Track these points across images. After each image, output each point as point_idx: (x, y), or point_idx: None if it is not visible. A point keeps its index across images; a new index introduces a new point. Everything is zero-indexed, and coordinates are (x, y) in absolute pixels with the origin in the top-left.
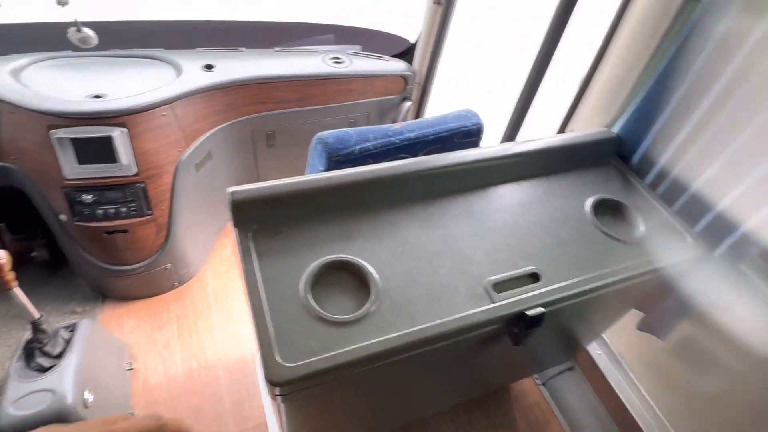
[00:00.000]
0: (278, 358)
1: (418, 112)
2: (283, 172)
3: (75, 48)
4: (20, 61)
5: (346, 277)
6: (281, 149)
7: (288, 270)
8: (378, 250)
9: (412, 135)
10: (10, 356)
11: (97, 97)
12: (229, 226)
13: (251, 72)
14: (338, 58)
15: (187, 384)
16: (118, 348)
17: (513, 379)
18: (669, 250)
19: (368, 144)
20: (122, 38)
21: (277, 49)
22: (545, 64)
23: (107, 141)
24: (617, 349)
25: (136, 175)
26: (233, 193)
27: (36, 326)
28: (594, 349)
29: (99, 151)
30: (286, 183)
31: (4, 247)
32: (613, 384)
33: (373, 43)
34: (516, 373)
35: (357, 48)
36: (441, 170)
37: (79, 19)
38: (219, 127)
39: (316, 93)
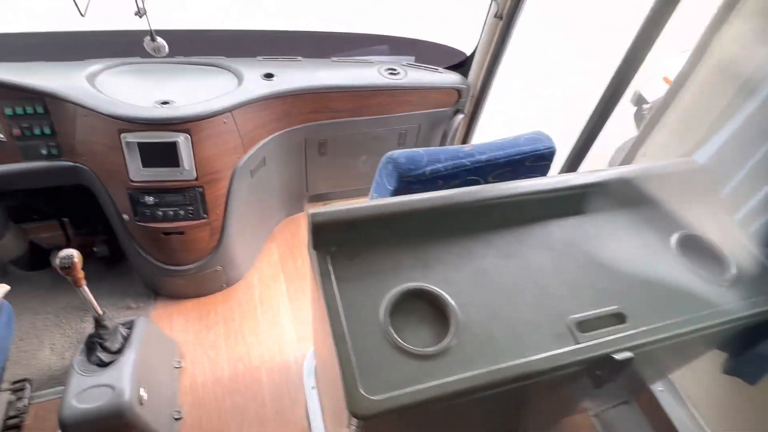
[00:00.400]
0: (362, 391)
1: (470, 125)
2: (331, 180)
3: (145, 54)
4: (95, 66)
5: (424, 306)
6: (332, 157)
7: (367, 296)
8: (456, 279)
9: (483, 158)
10: (69, 346)
11: (165, 103)
12: (277, 231)
13: (309, 82)
14: (393, 70)
15: (231, 385)
16: (169, 346)
17: (570, 413)
18: (765, 293)
19: (439, 165)
20: (188, 46)
21: (334, 59)
22: (619, 91)
23: (172, 146)
24: (681, 386)
25: (195, 179)
26: (314, 215)
27: (98, 322)
28: (656, 385)
29: (163, 155)
30: (366, 206)
31: (68, 240)
32: (676, 424)
33: (427, 54)
34: (574, 407)
35: (411, 59)
36: (521, 197)
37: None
38: (274, 134)
39: (370, 104)
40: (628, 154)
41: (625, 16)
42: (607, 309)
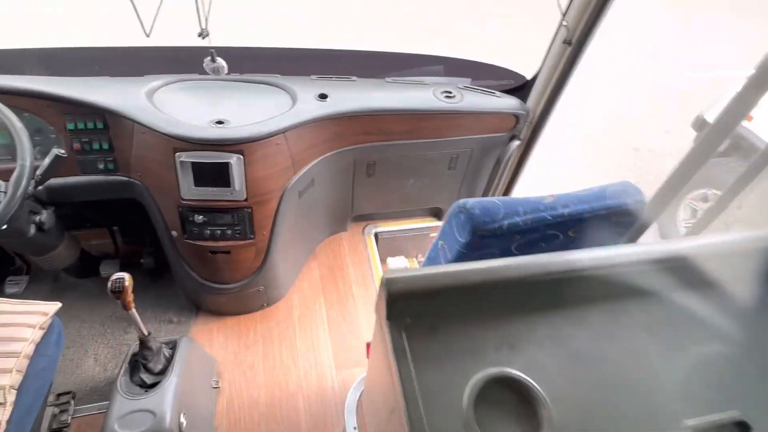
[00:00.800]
0: None
1: (526, 152)
2: (377, 201)
3: (202, 70)
4: (154, 82)
5: (511, 395)
6: (379, 179)
7: (447, 381)
8: (547, 365)
9: (566, 211)
10: (112, 357)
11: (219, 122)
12: (319, 250)
13: (363, 103)
14: (449, 93)
15: (268, 411)
16: (209, 364)
17: None
18: None
19: (518, 219)
20: (244, 63)
21: (389, 79)
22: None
23: (224, 167)
24: None
25: (245, 200)
26: (389, 282)
27: (143, 343)
28: None
29: (215, 175)
30: (447, 273)
31: (116, 249)
32: None
33: (484, 76)
34: None
35: (467, 81)
36: (621, 268)
37: (202, 45)
38: (325, 155)
39: (424, 127)
40: (717, 206)
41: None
42: (725, 415)
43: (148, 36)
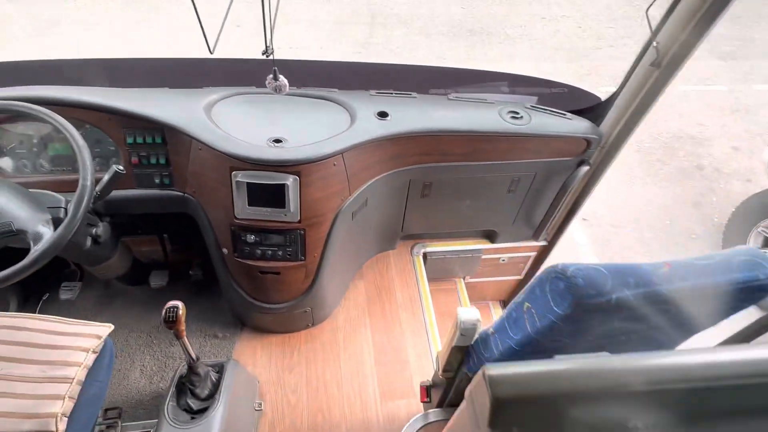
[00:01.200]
0: None
1: (594, 177)
2: (429, 222)
3: (260, 83)
4: (213, 96)
5: None
6: (433, 199)
7: None
8: None
9: (685, 285)
10: (158, 369)
11: (277, 141)
12: (366, 268)
13: (424, 123)
14: (516, 113)
15: None
16: (252, 386)
17: None
18: None
19: (628, 293)
20: (301, 76)
21: (451, 97)
22: None
23: (280, 188)
24: None
25: (298, 222)
26: (494, 385)
27: (191, 369)
28: None
29: (270, 195)
30: (563, 374)
31: (166, 257)
32: None
33: (551, 95)
34: None
35: (533, 100)
36: None
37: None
38: (380, 176)
39: (486, 148)
40: None
41: None
42: None
43: (211, 53)
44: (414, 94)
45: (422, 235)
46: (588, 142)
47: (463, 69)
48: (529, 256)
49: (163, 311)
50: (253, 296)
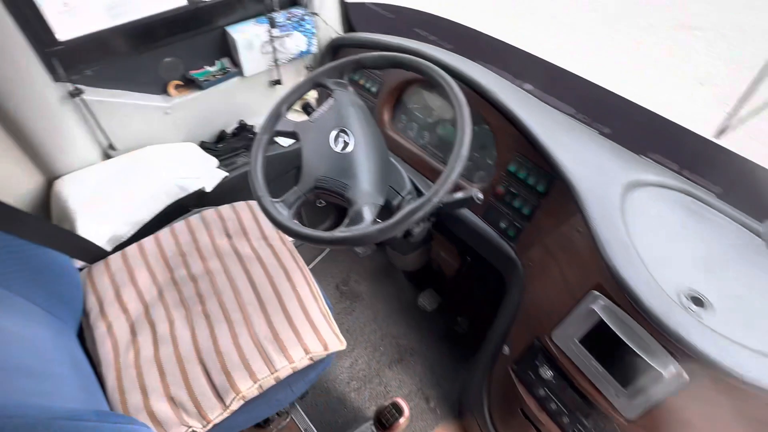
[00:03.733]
0: None
1: None
2: None
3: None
4: (647, 175)
5: None
6: None
7: None
8: None
9: None
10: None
11: (698, 302)
12: None
13: None
14: None
15: None
16: None
17: None
18: None
19: None
20: None
21: None
22: None
23: (643, 365)
24: None
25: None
26: None
27: None
28: None
29: (613, 354)
30: None
31: (454, 280)
32: None
33: None
34: None
35: None
36: None
37: None
38: None
39: None
40: None
41: None
42: None
43: None
44: None
45: None
46: None
47: None
48: None
49: (380, 408)
50: (494, 417)
